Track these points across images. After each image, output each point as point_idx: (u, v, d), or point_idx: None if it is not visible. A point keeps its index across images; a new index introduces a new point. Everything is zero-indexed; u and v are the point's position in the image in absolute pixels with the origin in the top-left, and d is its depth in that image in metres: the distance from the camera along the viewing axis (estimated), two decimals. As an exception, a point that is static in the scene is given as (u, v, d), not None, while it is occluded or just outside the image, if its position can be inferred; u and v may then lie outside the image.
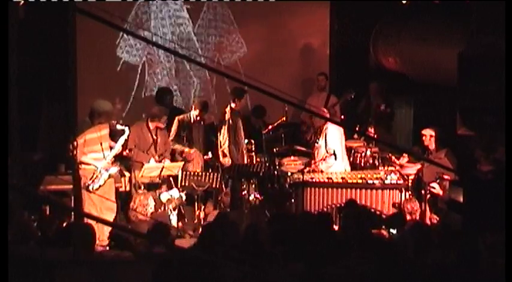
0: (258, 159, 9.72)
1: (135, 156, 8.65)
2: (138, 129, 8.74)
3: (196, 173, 8.80)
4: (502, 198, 4.81)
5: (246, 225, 6.49)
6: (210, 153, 9.43)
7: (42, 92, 10.08)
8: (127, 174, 8.79)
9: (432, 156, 8.64)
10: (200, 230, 8.26)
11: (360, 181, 8.39)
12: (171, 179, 8.70)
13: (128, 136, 8.28)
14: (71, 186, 7.65)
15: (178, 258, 5.12)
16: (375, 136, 10.10)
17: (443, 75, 9.45)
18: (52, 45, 9.47)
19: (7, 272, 3.80)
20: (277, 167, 9.41)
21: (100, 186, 7.95)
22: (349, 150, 9.43)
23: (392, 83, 10.85)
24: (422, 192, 8.47)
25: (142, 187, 8.51)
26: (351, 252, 5.53)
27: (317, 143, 8.79)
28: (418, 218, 7.73)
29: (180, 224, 8.47)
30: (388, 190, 8.27)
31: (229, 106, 9.46)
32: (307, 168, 8.65)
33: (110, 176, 8.07)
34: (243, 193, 9.18)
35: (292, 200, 8.50)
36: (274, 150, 9.80)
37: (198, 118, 9.25)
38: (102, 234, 6.84)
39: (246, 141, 9.68)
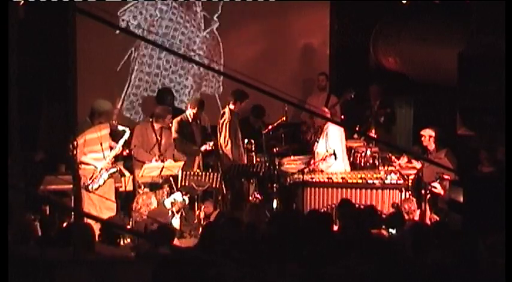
0: (258, 159, 9.72)
1: (137, 156, 8.63)
2: (143, 128, 8.75)
3: (196, 173, 8.80)
4: (502, 198, 4.82)
5: (246, 225, 6.48)
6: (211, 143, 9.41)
7: (42, 92, 10.07)
8: (127, 174, 8.79)
9: (432, 156, 8.64)
10: (200, 230, 8.30)
11: (360, 181, 8.39)
12: (171, 179, 8.69)
13: (129, 137, 8.28)
14: (71, 186, 7.65)
15: (178, 258, 5.12)
16: (375, 136, 10.10)
17: (443, 75, 9.45)
18: (52, 45, 9.46)
19: (7, 272, 3.80)
20: (277, 167, 9.40)
21: (100, 186, 7.96)
22: (349, 150, 9.42)
23: (392, 83, 10.85)
24: (422, 192, 8.48)
25: (143, 186, 8.51)
26: (351, 252, 5.53)
27: (317, 142, 8.79)
28: (415, 217, 7.74)
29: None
30: (388, 190, 8.28)
31: (227, 107, 9.47)
32: (307, 168, 8.65)
33: (109, 176, 8.07)
34: (243, 193, 9.19)
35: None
36: (274, 150, 9.80)
37: (195, 117, 9.24)
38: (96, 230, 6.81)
39: (246, 141, 9.68)
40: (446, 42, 9.41)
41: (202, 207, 8.68)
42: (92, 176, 7.92)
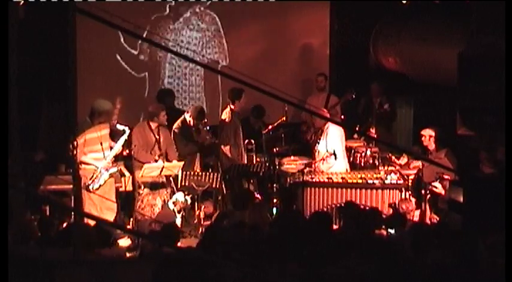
0: (258, 159, 9.72)
1: (138, 156, 8.62)
2: (141, 129, 8.72)
3: (196, 173, 8.80)
4: (502, 198, 4.82)
5: (249, 226, 6.48)
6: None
7: (42, 92, 10.07)
8: (127, 174, 8.78)
9: (432, 156, 8.64)
10: (200, 230, 8.31)
11: (360, 181, 8.39)
12: (171, 179, 8.69)
13: (128, 136, 8.27)
14: (71, 186, 7.64)
15: (179, 258, 5.12)
16: (376, 136, 10.10)
17: (443, 75, 9.45)
18: (52, 45, 9.46)
19: (7, 272, 3.80)
20: (277, 167, 9.40)
21: (100, 186, 7.96)
22: (349, 150, 9.43)
23: (392, 83, 10.84)
24: (422, 192, 8.48)
25: (143, 186, 8.50)
26: (351, 252, 5.53)
27: (318, 143, 8.80)
28: (413, 217, 7.74)
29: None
30: (388, 190, 8.28)
31: (228, 107, 9.46)
32: (307, 168, 8.65)
33: (110, 176, 8.07)
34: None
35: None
36: (274, 150, 9.80)
37: (192, 124, 9.22)
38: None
39: (246, 141, 9.67)
40: (446, 42, 9.41)
41: (202, 207, 8.68)
42: (92, 176, 7.92)
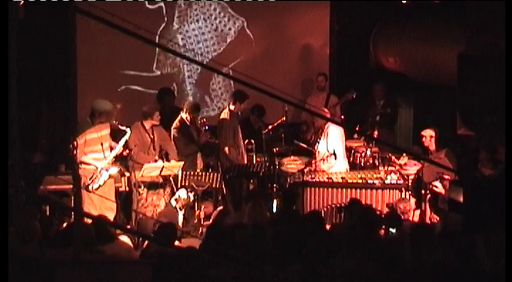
0: (258, 159, 9.72)
1: (137, 158, 8.60)
2: (137, 130, 8.70)
3: (196, 173, 8.79)
4: (502, 198, 4.81)
5: (249, 226, 6.48)
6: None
7: (42, 92, 10.07)
8: (127, 174, 8.78)
9: (432, 156, 8.64)
10: (200, 230, 8.30)
11: (360, 181, 8.39)
12: (171, 179, 8.69)
13: (129, 137, 8.27)
14: (71, 186, 7.64)
15: (179, 258, 5.12)
16: (378, 137, 10.09)
17: (443, 75, 9.46)
18: (52, 45, 9.46)
19: (7, 272, 3.80)
20: (277, 167, 9.40)
21: (100, 186, 7.95)
22: (349, 150, 9.42)
23: (392, 83, 10.84)
24: (422, 192, 8.48)
25: (143, 186, 8.50)
26: (351, 251, 5.53)
27: (318, 143, 8.79)
28: (411, 217, 7.73)
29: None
30: (388, 190, 8.28)
31: (228, 108, 9.46)
32: (307, 168, 8.65)
33: (110, 176, 8.07)
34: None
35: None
36: (274, 150, 9.79)
37: (191, 120, 9.21)
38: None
39: (246, 141, 9.67)
40: (446, 42, 9.42)
41: (202, 207, 8.68)
42: (92, 176, 7.91)
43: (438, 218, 8.06)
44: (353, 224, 6.58)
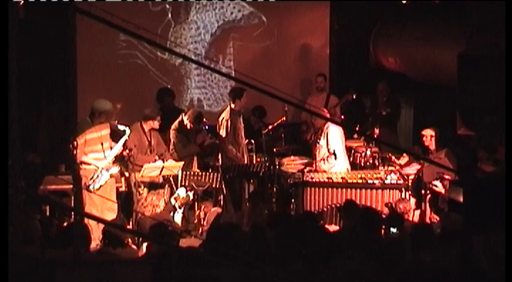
0: (258, 159, 9.72)
1: (136, 160, 8.59)
2: (136, 131, 8.70)
3: (196, 173, 8.79)
4: (502, 198, 4.81)
5: (248, 226, 6.49)
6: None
7: (42, 92, 10.07)
8: (127, 174, 8.78)
9: (432, 156, 8.64)
10: (200, 229, 8.31)
11: (360, 181, 8.39)
12: (171, 179, 8.69)
13: (129, 136, 8.27)
14: (71, 186, 7.64)
15: (179, 258, 5.12)
16: (380, 136, 10.09)
17: (443, 75, 9.46)
18: (52, 45, 9.46)
19: (7, 272, 3.80)
20: (277, 167, 9.40)
21: (101, 186, 7.95)
22: (349, 150, 9.43)
23: (392, 83, 10.84)
24: (422, 192, 8.48)
25: (143, 186, 8.50)
26: (351, 251, 5.53)
27: (318, 143, 8.80)
28: (411, 217, 7.74)
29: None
30: (388, 190, 8.28)
31: (228, 107, 9.46)
32: (307, 168, 8.65)
33: (110, 176, 8.06)
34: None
35: (292, 200, 8.50)
36: (274, 150, 9.79)
37: (189, 127, 9.20)
38: (97, 232, 6.82)
39: (246, 141, 9.67)
40: (446, 42, 9.42)
41: (202, 207, 8.68)
42: (93, 176, 7.91)
43: (438, 218, 8.07)
44: (353, 225, 6.59)
